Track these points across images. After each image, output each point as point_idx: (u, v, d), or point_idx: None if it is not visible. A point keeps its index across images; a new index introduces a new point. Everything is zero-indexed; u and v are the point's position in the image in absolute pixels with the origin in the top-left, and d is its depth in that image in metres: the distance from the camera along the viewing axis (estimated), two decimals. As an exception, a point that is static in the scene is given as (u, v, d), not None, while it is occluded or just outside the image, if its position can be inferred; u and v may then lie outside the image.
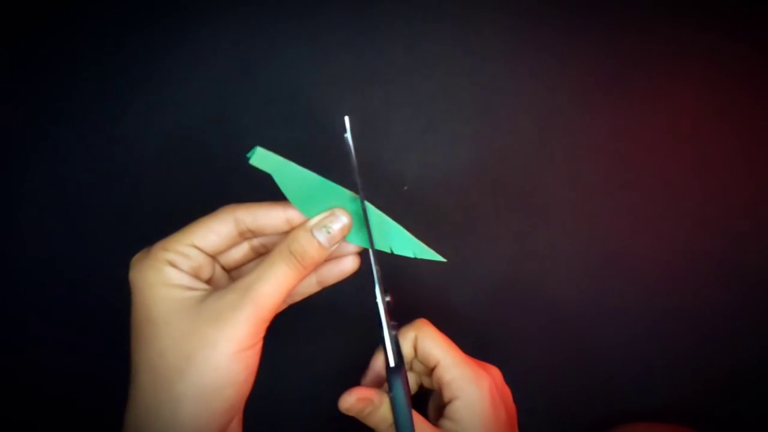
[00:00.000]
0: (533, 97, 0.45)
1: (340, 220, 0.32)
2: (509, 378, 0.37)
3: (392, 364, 0.34)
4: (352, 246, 0.35)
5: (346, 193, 0.33)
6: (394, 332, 0.35)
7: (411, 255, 0.34)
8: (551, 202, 0.45)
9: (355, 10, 0.45)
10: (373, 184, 0.44)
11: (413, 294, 0.44)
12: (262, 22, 0.45)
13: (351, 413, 0.33)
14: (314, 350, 0.45)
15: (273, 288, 0.30)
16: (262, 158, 0.32)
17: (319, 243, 0.32)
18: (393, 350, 0.34)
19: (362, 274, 0.34)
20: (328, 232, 0.32)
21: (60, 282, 0.44)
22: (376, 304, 0.34)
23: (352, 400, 0.33)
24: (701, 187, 0.45)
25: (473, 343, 0.37)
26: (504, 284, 0.45)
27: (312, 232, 0.32)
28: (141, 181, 0.45)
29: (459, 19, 0.45)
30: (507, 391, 0.37)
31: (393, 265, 0.34)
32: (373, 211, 0.34)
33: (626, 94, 0.45)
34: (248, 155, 0.32)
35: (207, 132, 0.45)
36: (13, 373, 0.44)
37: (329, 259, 0.35)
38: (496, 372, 0.37)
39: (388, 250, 0.34)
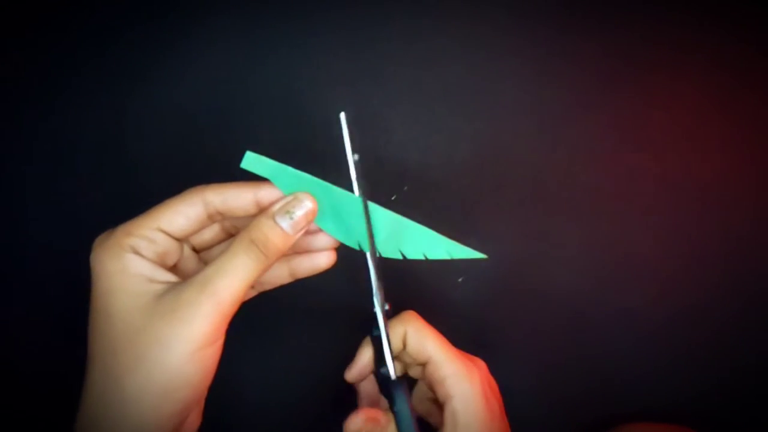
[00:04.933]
0: (534, 96, 0.45)
1: (304, 205, 0.31)
2: (510, 378, 0.37)
3: (393, 376, 0.33)
4: (327, 240, 0.34)
5: (346, 194, 0.33)
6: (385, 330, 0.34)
7: (447, 257, 0.33)
8: (552, 201, 0.45)
9: (354, 8, 0.45)
10: (373, 184, 0.44)
11: (412, 293, 0.44)
12: (261, 20, 0.45)
13: None
14: (292, 349, 0.45)
15: (233, 281, 0.29)
16: (253, 162, 0.32)
17: (283, 230, 0.30)
18: (392, 360, 0.33)
19: (352, 270, 0.34)
20: (291, 218, 0.30)
21: (56, 271, 0.44)
22: (374, 313, 0.33)
23: (360, 422, 0.32)
24: (703, 186, 0.45)
25: (474, 343, 0.37)
26: (505, 284, 0.45)
27: (274, 218, 0.30)
28: (138, 178, 0.44)
29: (459, 18, 0.45)
30: (494, 383, 0.36)
31: (391, 263, 0.34)
32: (397, 218, 0.33)
33: (628, 92, 0.45)
34: (242, 162, 0.32)
35: (205, 130, 0.45)
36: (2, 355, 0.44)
37: (304, 251, 0.34)
38: (482, 365, 0.36)
39: (422, 257, 0.33)
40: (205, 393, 0.30)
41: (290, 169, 0.32)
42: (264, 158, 0.32)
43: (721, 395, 0.45)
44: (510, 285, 0.45)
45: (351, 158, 0.32)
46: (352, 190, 0.33)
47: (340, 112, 0.32)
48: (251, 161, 0.32)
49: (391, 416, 0.33)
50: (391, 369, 0.33)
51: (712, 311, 0.45)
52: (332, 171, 0.33)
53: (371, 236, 0.32)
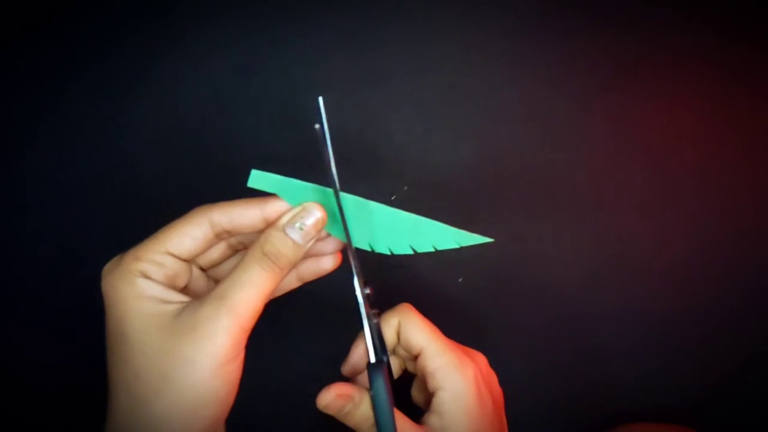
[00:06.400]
0: (534, 97, 0.45)
1: (313, 215, 0.31)
2: (509, 377, 0.37)
3: (372, 360, 0.33)
4: (332, 244, 0.34)
5: (353, 198, 0.33)
6: (375, 320, 0.34)
7: (455, 245, 0.33)
8: (551, 201, 0.45)
9: (354, 10, 0.45)
10: (373, 184, 0.45)
11: (413, 293, 0.44)
12: (261, 22, 0.45)
13: (329, 411, 0.32)
14: (295, 344, 0.45)
15: (250, 294, 0.29)
16: (259, 180, 0.32)
17: (294, 241, 0.30)
18: (373, 344, 0.33)
19: (346, 265, 0.34)
20: (302, 229, 0.31)
21: (57, 275, 0.44)
22: (355, 297, 0.33)
23: (330, 397, 0.32)
24: (703, 187, 0.45)
25: (473, 342, 0.37)
26: (504, 284, 0.45)
27: (285, 230, 0.30)
28: (138, 181, 0.45)
29: (458, 19, 0.45)
30: (493, 377, 0.36)
31: (391, 265, 0.34)
32: (403, 215, 0.33)
33: (627, 93, 0.45)
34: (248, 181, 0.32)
35: (205, 132, 0.45)
36: (9, 367, 0.44)
37: (309, 256, 0.34)
38: (481, 358, 0.36)
39: (432, 249, 0.33)
40: (229, 409, 0.30)
41: (296, 182, 0.32)
42: (269, 174, 0.32)
43: (721, 395, 0.45)
44: (509, 284, 0.45)
45: (329, 145, 0.31)
46: (352, 192, 0.33)
47: (319, 97, 0.31)
48: (257, 179, 0.32)
49: (365, 394, 0.32)
50: (371, 351, 0.33)
51: (713, 310, 0.45)
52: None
53: (345, 223, 0.32)
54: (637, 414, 0.45)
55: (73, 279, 0.44)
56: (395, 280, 0.43)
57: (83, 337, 0.42)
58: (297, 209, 0.31)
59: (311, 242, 0.31)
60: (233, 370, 0.29)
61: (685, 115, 0.45)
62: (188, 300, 0.30)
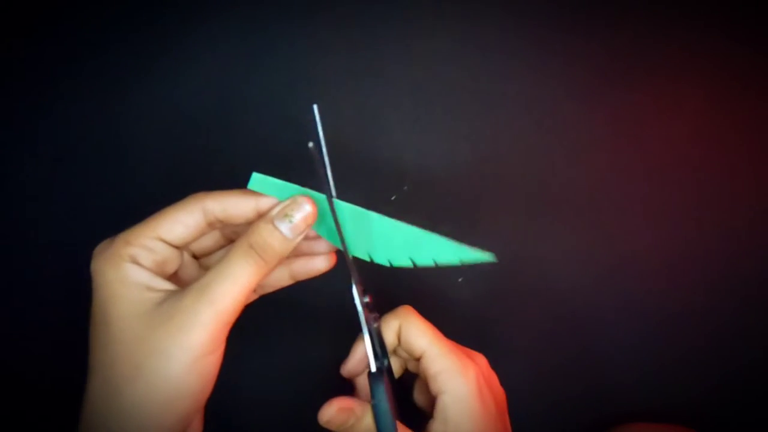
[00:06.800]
0: (534, 96, 0.45)
1: (303, 209, 0.30)
2: (509, 378, 0.37)
3: (373, 369, 0.33)
4: (325, 245, 0.34)
5: (353, 208, 0.32)
6: (375, 324, 0.33)
7: (457, 261, 0.32)
8: (552, 201, 0.45)
9: (353, 8, 0.45)
10: (373, 184, 0.44)
11: (412, 294, 0.44)
12: (260, 20, 0.45)
13: (332, 426, 0.32)
14: (293, 351, 0.44)
15: (231, 288, 0.28)
16: (259, 183, 0.32)
17: (282, 234, 0.30)
18: (374, 352, 0.33)
19: (345, 270, 0.33)
20: (291, 222, 0.30)
21: (56, 270, 0.44)
22: (354, 305, 0.33)
23: (332, 412, 0.31)
24: (704, 188, 0.45)
25: (473, 343, 0.37)
26: (504, 284, 0.45)
27: (273, 222, 0.30)
28: (138, 180, 0.45)
29: (458, 17, 0.45)
30: (494, 378, 0.36)
31: (390, 267, 0.34)
32: (405, 228, 0.32)
33: (628, 93, 0.45)
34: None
35: (204, 131, 0.45)
36: (9, 365, 0.44)
37: (302, 254, 0.34)
38: (481, 360, 0.35)
39: (432, 263, 0.32)
40: (204, 403, 0.30)
41: (297, 187, 0.32)
42: (270, 178, 0.32)
43: (721, 395, 0.45)
44: (509, 285, 0.45)
45: (325, 152, 0.31)
46: (352, 192, 0.33)
47: (313, 105, 0.31)
48: (257, 182, 0.32)
49: (367, 406, 0.32)
50: (372, 361, 0.33)
51: (712, 311, 0.44)
52: (332, 172, 0.33)
53: (340, 231, 0.32)
54: (637, 414, 0.45)
55: (73, 279, 0.44)
56: (394, 280, 0.43)
57: (83, 335, 0.43)
58: (287, 202, 0.31)
59: (300, 237, 0.31)
60: (210, 364, 0.28)
61: (685, 115, 0.45)
62: (174, 288, 0.30)
